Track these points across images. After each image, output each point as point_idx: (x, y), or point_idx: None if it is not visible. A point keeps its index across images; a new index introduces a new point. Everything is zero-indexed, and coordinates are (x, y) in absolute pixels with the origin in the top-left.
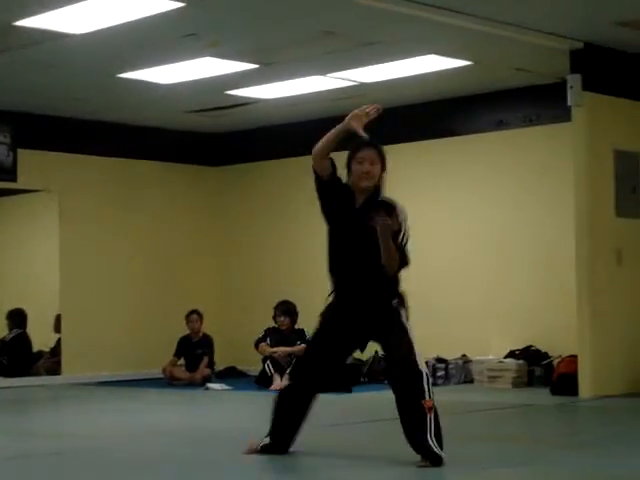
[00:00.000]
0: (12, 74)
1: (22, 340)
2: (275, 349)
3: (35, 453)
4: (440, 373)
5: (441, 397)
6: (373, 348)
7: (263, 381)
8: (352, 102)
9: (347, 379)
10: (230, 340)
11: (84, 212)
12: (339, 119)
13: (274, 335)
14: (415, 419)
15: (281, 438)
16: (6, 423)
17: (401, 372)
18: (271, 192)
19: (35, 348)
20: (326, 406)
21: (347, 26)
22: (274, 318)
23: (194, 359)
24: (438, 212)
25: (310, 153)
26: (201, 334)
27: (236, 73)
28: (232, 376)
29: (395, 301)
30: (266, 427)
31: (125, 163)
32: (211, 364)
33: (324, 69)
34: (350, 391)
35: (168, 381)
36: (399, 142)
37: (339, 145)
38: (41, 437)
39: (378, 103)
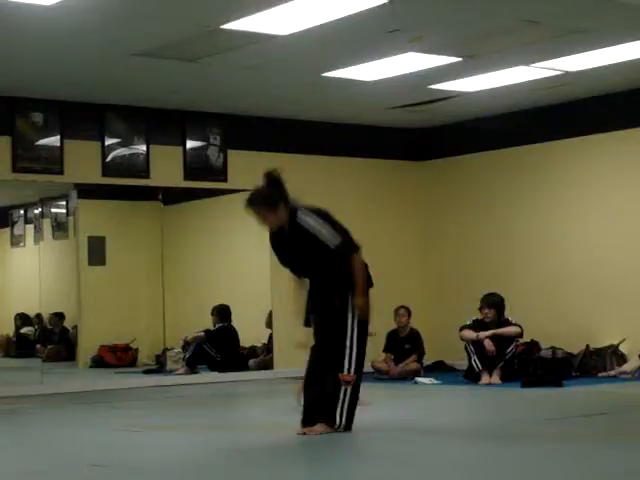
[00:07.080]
0: (221, 77)
1: (228, 332)
2: (479, 333)
3: (248, 447)
4: None
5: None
6: (584, 342)
7: (471, 375)
8: (556, 91)
9: (558, 373)
10: (438, 334)
11: None
12: (542, 110)
13: (478, 327)
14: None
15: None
16: (220, 417)
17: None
18: (475, 185)
19: (248, 344)
20: (538, 401)
21: (551, 15)
22: (480, 310)
23: (402, 353)
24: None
25: (512, 145)
26: (409, 329)
27: (439, 67)
28: (440, 370)
29: (337, 299)
30: (481, 421)
31: (332, 161)
32: (420, 358)
33: (528, 59)
34: (561, 385)
35: (378, 376)
36: (605, 131)
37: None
38: (255, 430)
39: (584, 92)
